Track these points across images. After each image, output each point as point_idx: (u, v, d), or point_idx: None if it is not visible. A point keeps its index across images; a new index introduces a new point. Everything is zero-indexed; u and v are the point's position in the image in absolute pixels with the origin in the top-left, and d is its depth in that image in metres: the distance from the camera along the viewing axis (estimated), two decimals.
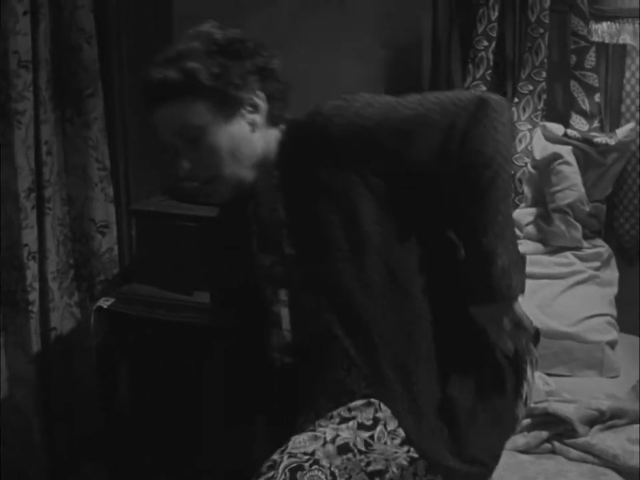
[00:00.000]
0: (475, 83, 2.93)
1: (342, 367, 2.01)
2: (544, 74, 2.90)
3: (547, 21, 2.87)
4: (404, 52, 3.11)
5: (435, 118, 1.90)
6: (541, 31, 2.87)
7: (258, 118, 2.01)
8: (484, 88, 2.92)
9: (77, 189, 3.09)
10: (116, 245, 3.16)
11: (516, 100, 2.91)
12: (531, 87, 2.91)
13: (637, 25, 2.74)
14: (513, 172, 2.82)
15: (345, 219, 1.95)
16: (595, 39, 2.80)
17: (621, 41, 2.78)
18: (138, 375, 3.12)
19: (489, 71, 2.93)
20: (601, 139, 2.84)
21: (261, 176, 2.03)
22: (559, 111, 2.98)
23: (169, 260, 2.88)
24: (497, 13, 2.90)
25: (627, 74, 2.92)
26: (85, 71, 3.02)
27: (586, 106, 2.89)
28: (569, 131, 2.87)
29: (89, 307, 3.08)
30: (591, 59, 2.88)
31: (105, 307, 2.94)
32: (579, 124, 2.89)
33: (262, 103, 2.01)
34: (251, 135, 2.00)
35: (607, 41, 2.80)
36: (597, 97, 2.89)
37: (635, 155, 2.92)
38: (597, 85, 2.89)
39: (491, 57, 2.92)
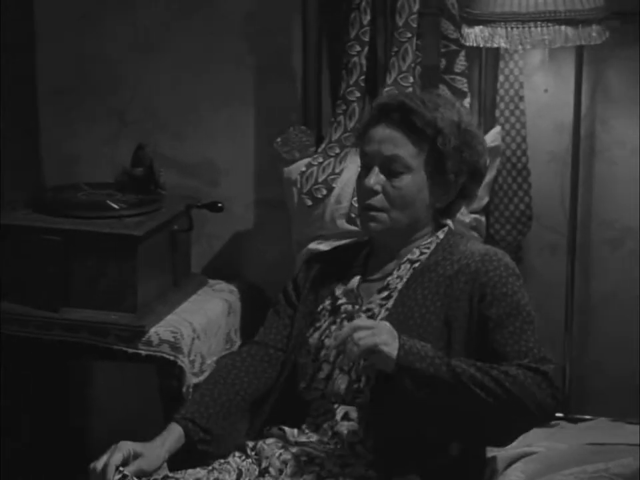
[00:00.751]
0: (349, 89, 2.85)
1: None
2: (411, 79, 2.82)
3: (414, 25, 2.79)
4: (274, 56, 3.05)
5: None
6: (409, 35, 2.80)
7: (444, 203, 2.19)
8: (358, 94, 2.85)
9: None
10: None
11: None
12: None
13: (509, 29, 2.71)
14: None
15: (445, 316, 2.11)
16: (468, 43, 2.76)
17: (494, 45, 2.74)
18: (7, 394, 3.02)
19: (362, 77, 2.85)
20: None
21: (405, 246, 2.19)
22: None
23: (35, 275, 2.77)
24: (369, 17, 2.83)
25: (501, 78, 2.88)
26: None
27: None
28: None
29: None
30: (460, 62, 2.82)
31: None
32: None
33: (454, 194, 2.19)
34: (429, 211, 2.18)
35: (480, 45, 2.76)
36: (467, 102, 2.83)
37: (510, 159, 2.90)
38: (466, 90, 2.83)
39: (364, 62, 2.84)
